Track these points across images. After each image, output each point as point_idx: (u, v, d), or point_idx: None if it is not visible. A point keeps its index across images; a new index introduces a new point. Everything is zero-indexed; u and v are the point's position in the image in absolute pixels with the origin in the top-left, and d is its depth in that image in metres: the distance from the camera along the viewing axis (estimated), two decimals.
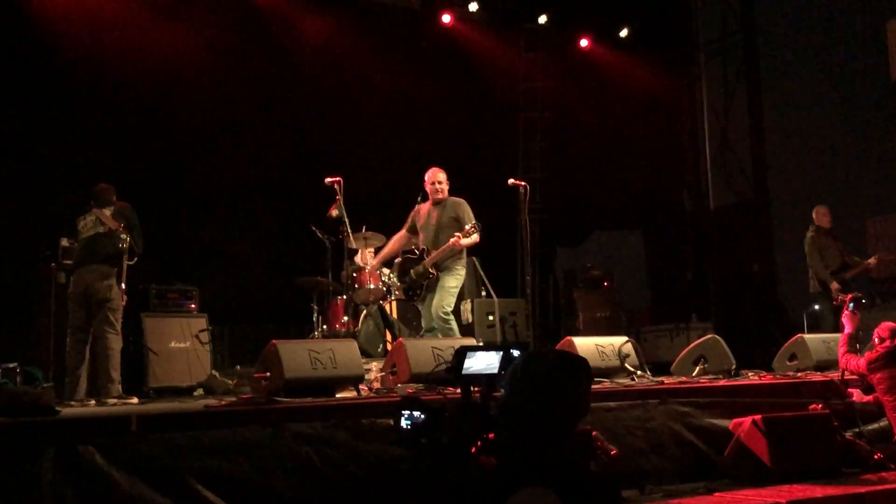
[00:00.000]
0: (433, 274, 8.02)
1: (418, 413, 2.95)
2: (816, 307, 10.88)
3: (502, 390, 2.82)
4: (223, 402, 5.14)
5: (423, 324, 8.28)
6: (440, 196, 8.21)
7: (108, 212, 7.26)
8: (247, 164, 10.62)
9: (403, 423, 2.97)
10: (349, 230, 7.77)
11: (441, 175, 8.27)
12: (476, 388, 3.18)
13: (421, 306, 8.28)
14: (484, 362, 3.22)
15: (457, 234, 7.84)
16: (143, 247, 7.35)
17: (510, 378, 2.71)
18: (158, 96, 10.06)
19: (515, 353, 3.15)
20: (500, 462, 2.56)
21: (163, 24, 10.15)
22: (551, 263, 13.76)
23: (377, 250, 9.30)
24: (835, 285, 9.35)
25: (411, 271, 8.19)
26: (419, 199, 8.50)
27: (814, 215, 9.89)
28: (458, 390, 3.29)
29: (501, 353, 3.21)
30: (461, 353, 3.20)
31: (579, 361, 2.81)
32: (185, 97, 10.20)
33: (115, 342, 7.05)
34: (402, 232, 8.45)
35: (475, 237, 7.95)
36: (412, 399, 3.15)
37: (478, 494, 2.46)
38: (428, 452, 2.80)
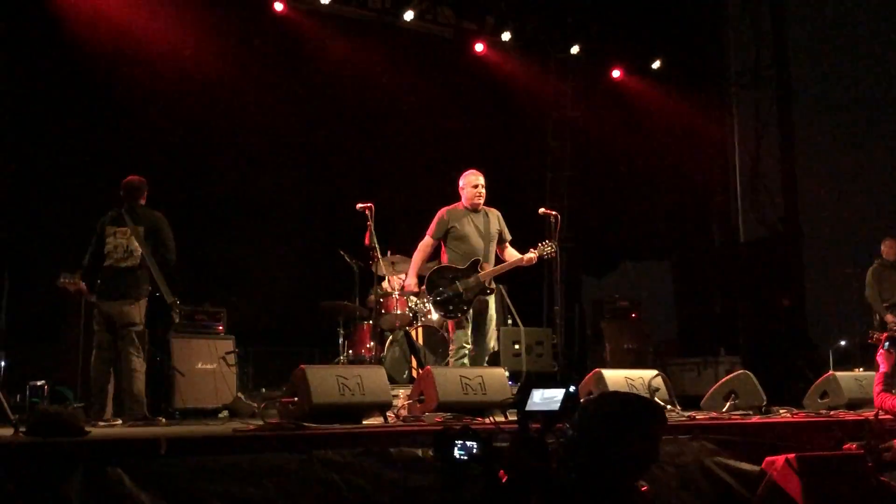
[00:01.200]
0: (491, 290, 7.35)
1: (471, 443, 2.90)
2: (843, 343, 10.75)
3: (567, 427, 2.76)
4: (251, 427, 5.11)
5: (460, 344, 7.25)
6: (480, 202, 7.50)
7: (140, 229, 7.13)
8: (278, 186, 10.69)
9: (457, 452, 2.92)
10: (379, 255, 7.74)
11: (483, 179, 7.56)
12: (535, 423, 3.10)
13: (461, 325, 7.29)
14: (545, 397, 3.15)
15: (532, 249, 7.26)
16: (175, 257, 7.24)
17: (581, 416, 2.65)
18: (192, 116, 10.14)
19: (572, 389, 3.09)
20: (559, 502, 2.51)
21: (202, 46, 10.24)
22: (577, 293, 13.69)
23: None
24: (890, 318, 9.21)
25: (457, 283, 7.19)
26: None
27: (882, 247, 9.77)
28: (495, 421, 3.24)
29: (565, 389, 3.15)
30: (527, 388, 3.14)
31: (654, 406, 2.75)
32: (219, 118, 10.30)
33: (140, 364, 7.02)
34: (429, 240, 7.50)
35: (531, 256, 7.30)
36: (464, 429, 3.07)
37: None
38: (483, 483, 2.74)
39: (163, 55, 10.01)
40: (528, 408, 3.01)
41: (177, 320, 7.41)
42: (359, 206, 7.57)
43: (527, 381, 3.00)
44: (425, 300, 7.83)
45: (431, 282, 7.25)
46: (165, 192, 9.83)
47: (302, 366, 5.54)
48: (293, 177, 10.90)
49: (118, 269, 7.10)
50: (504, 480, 2.85)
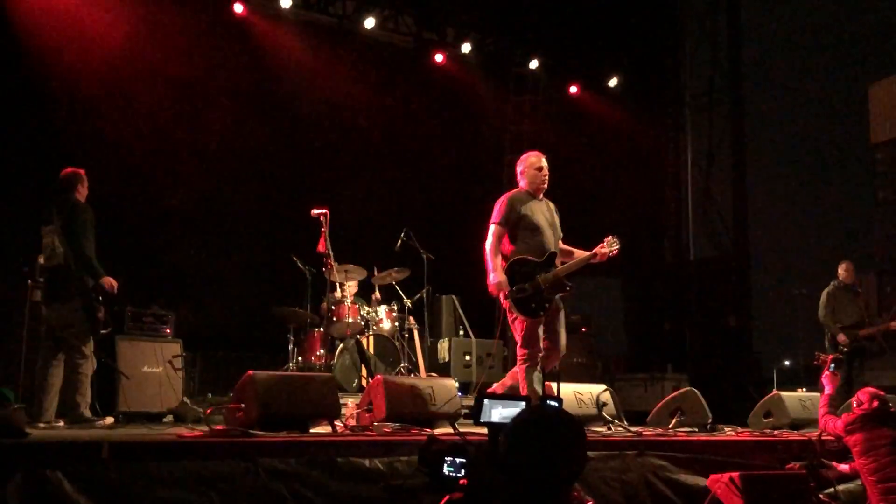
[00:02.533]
0: (569, 287, 6.59)
1: (460, 459, 2.88)
2: (787, 363, 10.92)
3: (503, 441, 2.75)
4: (196, 433, 5.03)
5: (536, 347, 6.43)
6: (545, 187, 6.65)
7: (60, 224, 6.76)
8: (232, 190, 10.58)
9: (446, 469, 2.90)
10: (333, 262, 7.66)
11: (545, 161, 6.68)
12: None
13: (535, 328, 6.43)
14: (507, 411, 3.14)
15: (603, 243, 6.59)
16: (84, 249, 6.69)
17: (511, 430, 2.64)
18: (143, 118, 10.02)
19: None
20: None
21: (158, 45, 10.13)
22: None
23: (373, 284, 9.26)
24: (842, 338, 9.37)
25: (538, 278, 6.38)
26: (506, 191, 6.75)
27: (839, 270, 9.92)
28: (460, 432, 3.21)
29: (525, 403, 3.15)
30: (480, 399, 3.14)
31: (574, 422, 2.73)
32: (172, 119, 10.19)
33: (84, 366, 6.85)
34: (499, 228, 6.47)
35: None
36: (453, 445, 3.03)
37: None
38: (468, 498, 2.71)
39: (117, 56, 9.88)
40: (483, 419, 3.02)
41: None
42: (314, 212, 7.52)
43: (480, 393, 2.98)
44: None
45: (510, 278, 6.35)
46: (116, 194, 9.76)
47: (250, 372, 5.46)
48: (247, 181, 10.80)
49: (48, 269, 6.89)
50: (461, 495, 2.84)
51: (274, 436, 4.89)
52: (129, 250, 9.72)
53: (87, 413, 6.78)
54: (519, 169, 6.73)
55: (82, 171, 7.16)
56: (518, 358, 6.50)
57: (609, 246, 6.58)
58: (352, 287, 9.27)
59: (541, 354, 6.45)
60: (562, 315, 6.70)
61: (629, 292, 14.62)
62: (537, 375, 6.41)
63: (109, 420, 6.93)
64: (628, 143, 13.74)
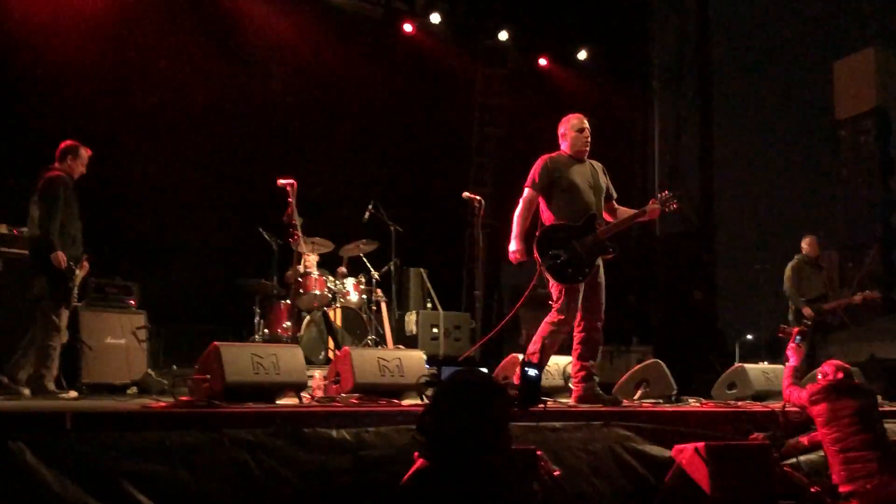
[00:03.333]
0: (612, 249, 6.39)
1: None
2: (749, 337, 11.03)
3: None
4: (162, 404, 4.99)
5: (571, 314, 6.31)
6: (587, 148, 6.52)
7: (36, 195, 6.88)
8: (197, 161, 10.42)
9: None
10: (300, 233, 7.57)
11: (588, 123, 6.56)
12: None
13: (574, 293, 6.28)
14: None
15: (652, 200, 6.47)
16: (52, 224, 6.74)
17: (434, 396, 2.61)
18: (106, 87, 9.84)
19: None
20: (415, 483, 2.47)
21: (115, 17, 9.93)
22: (497, 279, 13.75)
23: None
24: (807, 311, 9.45)
25: (574, 243, 6.20)
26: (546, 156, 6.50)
27: (802, 244, 9.99)
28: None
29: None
30: (440, 368, 3.12)
31: (498, 386, 2.67)
32: (134, 90, 10.03)
33: (54, 339, 6.80)
34: (531, 192, 6.37)
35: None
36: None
37: None
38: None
39: (78, 25, 9.67)
40: None
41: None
42: (280, 181, 7.43)
43: (438, 361, 2.97)
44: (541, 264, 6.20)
45: (542, 245, 6.20)
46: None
47: (215, 343, 5.41)
48: (212, 151, 10.63)
49: (28, 240, 6.98)
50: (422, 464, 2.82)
51: (240, 406, 4.85)
52: (93, 220, 9.54)
53: (51, 386, 6.72)
54: (560, 131, 6.59)
55: (79, 146, 7.15)
56: (551, 317, 6.40)
57: (662, 203, 6.46)
58: (313, 259, 9.21)
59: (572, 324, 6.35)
60: (601, 278, 6.47)
61: None
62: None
63: (73, 394, 6.87)
64: (596, 117, 13.67)
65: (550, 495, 4.89)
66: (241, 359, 5.43)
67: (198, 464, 4.11)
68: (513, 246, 6.39)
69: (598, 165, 6.65)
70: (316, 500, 4.33)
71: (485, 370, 3.60)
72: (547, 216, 6.38)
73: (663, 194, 6.53)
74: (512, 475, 4.62)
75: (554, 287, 6.37)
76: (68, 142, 7.10)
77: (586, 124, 6.53)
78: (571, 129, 6.51)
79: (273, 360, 5.56)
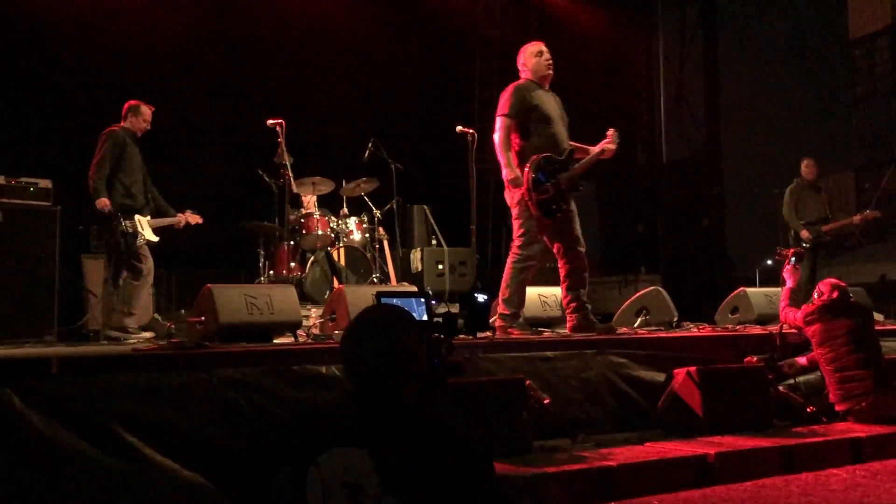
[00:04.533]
0: (583, 187, 6.34)
1: None
2: (769, 262, 10.94)
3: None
4: (152, 346, 5.04)
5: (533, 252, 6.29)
6: (551, 73, 6.34)
7: None
8: (194, 105, 10.38)
9: None
10: (290, 173, 7.54)
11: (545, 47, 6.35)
12: None
13: (546, 228, 6.18)
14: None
15: (608, 137, 6.26)
16: (94, 175, 7.11)
17: (344, 332, 2.60)
18: (97, 37, 9.77)
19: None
20: (319, 417, 2.47)
21: None
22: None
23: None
24: (805, 234, 9.39)
25: (559, 177, 6.08)
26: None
27: (801, 167, 9.89)
28: None
29: (424, 301, 3.14)
30: (378, 298, 3.12)
31: (401, 316, 2.62)
32: (124, 37, 9.93)
33: (107, 282, 7.22)
34: (509, 120, 6.15)
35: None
36: None
37: (291, 450, 2.37)
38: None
39: None
40: None
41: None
42: (269, 122, 7.41)
43: (378, 293, 2.94)
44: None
45: (535, 174, 5.99)
46: (77, 114, 9.60)
47: (208, 285, 5.46)
48: (208, 95, 10.59)
49: None
50: None
51: (229, 346, 4.90)
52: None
53: (129, 322, 7.16)
54: (520, 62, 6.42)
55: (140, 104, 7.48)
56: (512, 256, 6.31)
57: (614, 140, 6.30)
58: (311, 199, 9.20)
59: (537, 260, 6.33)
60: (573, 206, 6.37)
61: (603, 196, 14.60)
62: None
63: (146, 335, 7.13)
64: (600, 45, 13.53)
65: (541, 422, 4.94)
66: (234, 300, 5.47)
67: (187, 404, 4.16)
68: (509, 174, 6.20)
69: (556, 97, 6.49)
70: (308, 434, 4.37)
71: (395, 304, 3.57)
72: (524, 146, 6.18)
73: (612, 132, 6.33)
74: (494, 404, 4.68)
75: (520, 222, 6.23)
76: (131, 101, 7.45)
77: (544, 48, 6.38)
78: (531, 54, 6.35)
79: (267, 301, 5.59)
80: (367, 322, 2.54)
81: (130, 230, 7.09)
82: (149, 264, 7.32)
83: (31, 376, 3.94)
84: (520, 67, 6.44)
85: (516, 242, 6.28)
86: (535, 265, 6.33)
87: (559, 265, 6.38)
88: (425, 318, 4.52)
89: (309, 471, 2.26)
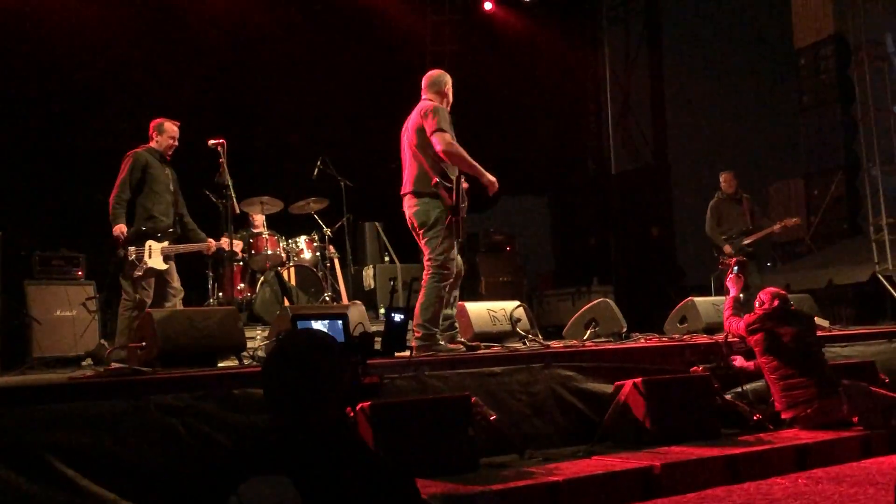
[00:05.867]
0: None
1: None
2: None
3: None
4: (88, 374, 4.95)
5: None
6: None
7: None
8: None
9: None
10: (233, 193, 7.44)
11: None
12: None
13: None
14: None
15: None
16: (112, 200, 6.98)
17: (265, 359, 2.57)
18: (44, 54, 9.64)
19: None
20: (239, 447, 2.45)
21: None
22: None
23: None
24: (727, 248, 9.50)
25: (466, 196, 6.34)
26: None
27: (720, 181, 10.01)
28: None
29: (340, 322, 3.10)
30: (294, 321, 3.08)
31: (323, 340, 2.60)
32: (70, 56, 9.80)
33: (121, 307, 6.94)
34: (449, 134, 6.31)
35: None
36: None
37: (212, 481, 2.34)
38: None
39: None
40: None
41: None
42: (210, 142, 7.33)
43: (293, 316, 2.91)
44: None
45: (458, 193, 6.10)
46: (22, 136, 9.46)
47: (148, 310, 5.38)
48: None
49: None
50: None
51: (169, 372, 4.82)
52: (33, 192, 9.47)
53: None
54: (445, 89, 6.60)
55: (164, 121, 7.28)
56: (435, 275, 6.25)
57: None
58: (261, 219, 9.13)
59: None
60: None
61: (556, 209, 14.69)
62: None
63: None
64: (548, 59, 13.62)
65: (489, 439, 4.92)
66: (175, 324, 5.39)
67: (124, 432, 4.08)
68: (489, 176, 6.25)
69: None
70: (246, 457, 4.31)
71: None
72: (439, 167, 6.18)
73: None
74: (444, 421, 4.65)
75: (440, 239, 6.14)
76: (156, 119, 7.27)
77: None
78: (446, 83, 6.60)
79: (209, 324, 5.52)
80: (288, 348, 2.50)
81: (133, 257, 6.81)
82: (164, 291, 7.02)
83: None
84: (435, 92, 6.57)
85: (437, 261, 6.18)
86: (453, 282, 6.29)
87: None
88: (342, 339, 4.47)
89: (229, 501, 2.21)
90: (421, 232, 6.24)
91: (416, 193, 6.20)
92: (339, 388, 2.45)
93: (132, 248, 6.82)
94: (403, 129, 6.50)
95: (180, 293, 7.18)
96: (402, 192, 6.33)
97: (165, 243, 7.02)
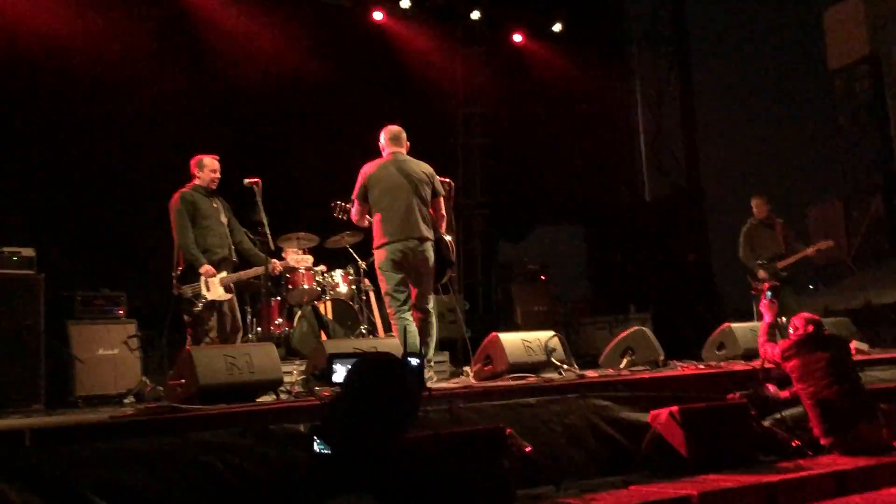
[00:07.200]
0: None
1: None
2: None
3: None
4: (128, 412, 5.04)
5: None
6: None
7: None
8: (174, 163, 10.45)
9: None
10: (268, 231, 7.54)
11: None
12: None
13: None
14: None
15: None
16: (181, 244, 7.13)
17: (344, 381, 2.66)
18: (82, 95, 9.85)
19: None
20: (322, 465, 2.52)
21: (86, 21, 9.93)
22: (494, 258, 13.79)
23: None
24: (762, 273, 9.45)
25: None
26: None
27: (752, 206, 9.99)
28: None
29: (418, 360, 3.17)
30: (331, 361, 3.15)
31: (402, 364, 2.71)
32: (108, 96, 10.02)
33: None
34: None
35: None
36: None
37: (298, 498, 2.42)
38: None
39: (50, 33, 9.65)
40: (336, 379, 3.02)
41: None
42: (246, 181, 7.43)
43: (331, 356, 2.97)
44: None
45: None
46: (61, 174, 9.68)
47: (187, 347, 5.48)
48: (187, 152, 10.68)
49: None
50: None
51: (207, 409, 4.89)
52: (76, 231, 9.67)
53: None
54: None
55: (203, 157, 7.51)
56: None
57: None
58: (300, 254, 9.25)
59: None
60: None
61: (591, 237, 14.69)
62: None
63: None
64: (579, 88, 13.68)
65: (524, 470, 4.93)
66: (214, 361, 5.46)
67: (163, 469, 4.16)
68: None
69: None
70: (284, 491, 4.36)
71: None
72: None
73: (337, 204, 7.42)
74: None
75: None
76: (196, 156, 7.49)
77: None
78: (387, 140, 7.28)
79: (247, 360, 5.58)
80: (383, 366, 2.59)
81: (189, 294, 6.98)
82: (226, 323, 7.21)
83: (6, 449, 3.94)
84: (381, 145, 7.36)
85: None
86: None
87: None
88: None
89: None
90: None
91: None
92: (415, 412, 2.55)
93: (187, 286, 6.96)
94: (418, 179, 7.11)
95: (239, 331, 7.30)
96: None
97: (223, 273, 7.15)
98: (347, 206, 7.39)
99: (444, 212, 7.21)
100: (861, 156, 21.52)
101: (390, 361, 2.76)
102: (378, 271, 7.08)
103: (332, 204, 8.00)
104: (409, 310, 6.90)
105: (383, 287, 7.01)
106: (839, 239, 10.50)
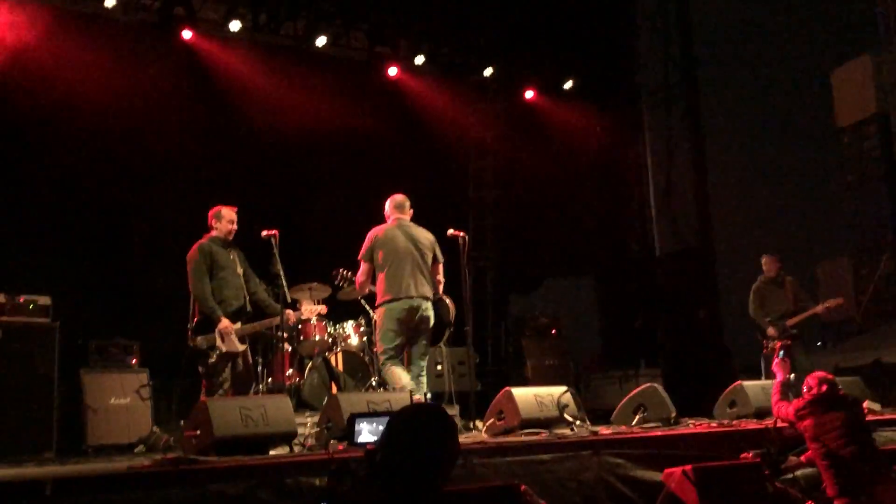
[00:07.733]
0: None
1: None
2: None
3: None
4: (146, 464, 5.06)
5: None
6: None
7: None
8: (189, 214, 10.57)
9: None
10: (284, 283, 7.63)
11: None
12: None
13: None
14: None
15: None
16: (202, 290, 7.22)
17: (387, 432, 2.70)
18: (100, 144, 9.98)
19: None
20: None
21: (108, 73, 10.09)
22: (505, 311, 13.81)
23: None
24: (771, 331, 9.49)
25: None
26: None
27: (762, 264, 10.06)
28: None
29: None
30: (352, 420, 3.18)
31: (442, 413, 2.77)
32: (125, 146, 10.15)
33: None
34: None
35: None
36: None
37: None
38: None
39: (70, 83, 9.83)
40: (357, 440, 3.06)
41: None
42: (264, 233, 7.53)
43: (352, 416, 3.01)
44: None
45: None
46: (77, 224, 9.78)
47: (203, 398, 5.52)
48: (205, 204, 10.80)
49: None
50: None
51: (223, 460, 4.92)
52: (91, 280, 9.74)
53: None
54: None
55: (221, 208, 7.62)
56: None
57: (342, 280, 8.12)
58: (311, 305, 9.31)
59: None
60: None
61: (602, 291, 14.71)
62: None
63: None
64: (589, 144, 13.83)
65: None
66: (229, 412, 5.51)
67: None
68: None
69: None
70: None
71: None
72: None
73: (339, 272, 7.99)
74: None
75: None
76: (213, 208, 7.60)
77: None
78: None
79: (261, 412, 5.64)
80: (432, 417, 2.64)
81: (204, 346, 7.05)
82: (239, 374, 7.27)
83: (26, 500, 3.96)
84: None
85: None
86: None
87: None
88: None
89: None
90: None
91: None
92: (453, 466, 2.59)
93: (201, 338, 7.01)
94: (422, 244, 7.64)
95: (252, 381, 7.37)
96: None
97: (238, 325, 7.20)
98: (349, 274, 7.81)
99: (441, 277, 7.65)
100: (869, 213, 21.61)
101: (438, 410, 2.82)
102: (377, 330, 7.46)
103: (334, 272, 8.17)
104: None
105: (379, 346, 7.38)
106: (847, 296, 10.51)
